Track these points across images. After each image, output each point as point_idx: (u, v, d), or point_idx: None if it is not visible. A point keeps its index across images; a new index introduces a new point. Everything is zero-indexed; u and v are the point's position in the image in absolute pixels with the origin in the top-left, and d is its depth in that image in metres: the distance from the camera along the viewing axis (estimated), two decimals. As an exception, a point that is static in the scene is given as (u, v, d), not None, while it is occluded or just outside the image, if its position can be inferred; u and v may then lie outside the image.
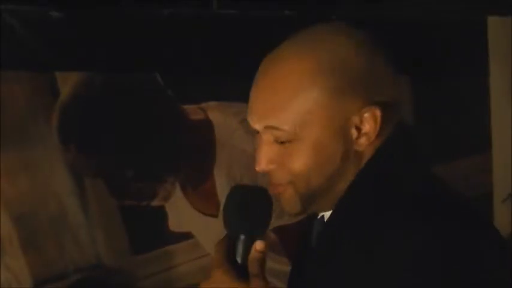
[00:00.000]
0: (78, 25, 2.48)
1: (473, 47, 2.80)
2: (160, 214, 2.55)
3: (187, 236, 2.62)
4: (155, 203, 2.43)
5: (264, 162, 1.34)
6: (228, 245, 1.36)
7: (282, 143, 1.31)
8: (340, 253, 1.29)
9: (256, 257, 1.35)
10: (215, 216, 2.44)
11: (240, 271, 1.35)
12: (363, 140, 1.31)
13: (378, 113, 1.30)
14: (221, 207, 2.38)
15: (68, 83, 2.48)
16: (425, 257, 1.21)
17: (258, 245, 1.34)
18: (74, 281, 2.56)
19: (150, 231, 2.57)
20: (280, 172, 1.33)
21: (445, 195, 1.33)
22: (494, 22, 2.95)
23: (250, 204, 1.39)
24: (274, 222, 2.35)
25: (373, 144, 1.32)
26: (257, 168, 1.36)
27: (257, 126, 1.33)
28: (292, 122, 1.30)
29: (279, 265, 2.48)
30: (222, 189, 2.39)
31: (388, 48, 1.36)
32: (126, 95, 2.45)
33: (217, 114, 2.43)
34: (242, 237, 1.37)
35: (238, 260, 1.36)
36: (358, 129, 1.31)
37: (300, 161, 1.31)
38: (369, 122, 1.30)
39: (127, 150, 2.41)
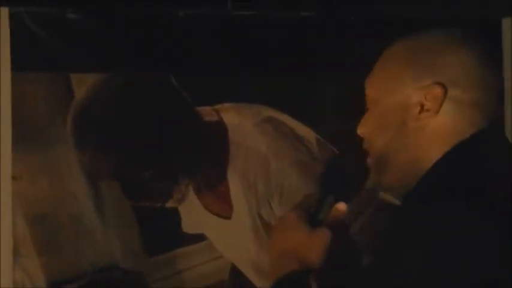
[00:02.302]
0: (93, 27, 2.48)
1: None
2: (174, 216, 2.55)
3: (200, 238, 2.62)
4: (169, 204, 2.43)
5: (359, 126, 1.55)
6: (310, 202, 1.52)
7: (369, 104, 1.53)
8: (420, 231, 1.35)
9: (335, 214, 1.48)
10: (228, 218, 2.43)
11: (313, 222, 1.47)
12: (423, 116, 1.45)
13: (440, 92, 1.45)
14: (234, 209, 2.39)
15: (83, 84, 2.49)
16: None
17: (340, 205, 1.49)
18: (89, 282, 2.56)
19: (163, 233, 2.57)
20: (366, 137, 1.53)
21: None
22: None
23: (345, 170, 1.56)
24: (280, 212, 2.35)
25: (438, 124, 1.46)
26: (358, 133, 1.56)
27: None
28: (370, 83, 1.53)
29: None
30: (235, 191, 2.38)
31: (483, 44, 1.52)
32: (140, 97, 2.45)
33: (231, 115, 2.43)
34: (330, 197, 1.51)
35: (320, 216, 1.50)
36: (421, 105, 1.46)
37: (370, 123, 1.52)
38: (431, 100, 1.45)
39: (141, 152, 2.41)
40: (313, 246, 1.44)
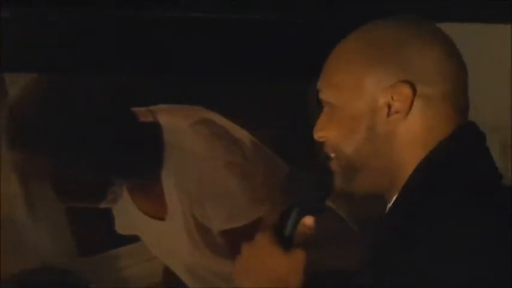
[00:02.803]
0: (26, 25, 2.46)
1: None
2: (107, 217, 2.54)
3: (134, 239, 2.62)
4: (102, 205, 2.42)
5: (315, 130, 1.47)
6: (278, 217, 1.46)
7: (327, 108, 1.44)
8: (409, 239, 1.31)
9: (304, 231, 1.44)
10: (162, 219, 2.43)
11: (284, 242, 1.43)
12: (393, 119, 1.39)
13: (408, 91, 1.37)
14: (168, 211, 2.38)
15: (16, 83, 2.47)
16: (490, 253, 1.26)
17: (308, 220, 1.45)
18: (21, 283, 2.54)
19: (97, 234, 2.56)
20: (327, 142, 1.46)
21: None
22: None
23: (309, 181, 1.49)
24: (223, 225, 2.35)
25: (409, 125, 1.39)
26: (314, 137, 1.49)
27: (317, 89, 1.47)
28: (329, 86, 1.44)
29: (227, 268, 2.48)
30: (169, 192, 2.38)
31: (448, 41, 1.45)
32: (74, 96, 2.43)
33: (166, 116, 2.42)
34: (295, 210, 1.46)
35: (286, 231, 1.45)
36: (389, 106, 1.39)
37: (334, 129, 1.43)
38: (399, 100, 1.38)
39: (75, 152, 2.40)
40: (291, 269, 1.40)
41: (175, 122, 2.41)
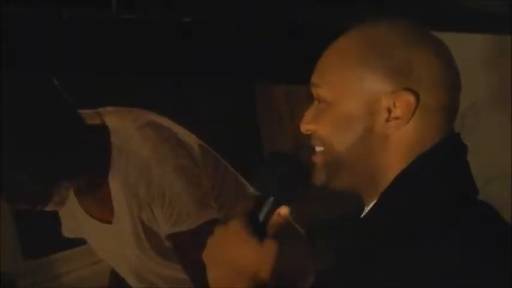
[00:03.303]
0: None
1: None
2: (54, 219, 2.52)
3: (80, 242, 2.60)
4: (49, 208, 2.40)
5: (303, 122, 1.47)
6: (254, 205, 1.44)
7: (322, 102, 1.44)
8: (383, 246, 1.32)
9: (278, 220, 1.43)
10: (109, 222, 2.42)
11: (258, 231, 1.41)
12: (392, 124, 1.40)
13: (412, 100, 1.38)
14: (115, 214, 2.37)
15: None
16: (462, 264, 1.27)
17: (283, 209, 1.44)
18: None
19: (43, 237, 2.53)
20: (315, 134, 1.46)
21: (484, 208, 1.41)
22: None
23: (287, 171, 1.47)
24: (171, 229, 2.35)
25: (406, 133, 1.40)
26: (300, 129, 1.48)
27: (311, 84, 1.47)
28: (328, 83, 1.43)
29: (174, 272, 2.48)
30: (116, 195, 2.37)
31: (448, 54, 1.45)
32: (20, 98, 2.41)
33: (113, 119, 2.41)
34: (271, 199, 1.45)
35: (260, 218, 1.44)
36: (390, 111, 1.39)
37: (326, 124, 1.43)
38: (402, 107, 1.38)
39: (21, 153, 2.38)
40: (262, 259, 1.37)
41: (123, 124, 2.40)
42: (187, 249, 2.32)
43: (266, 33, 2.73)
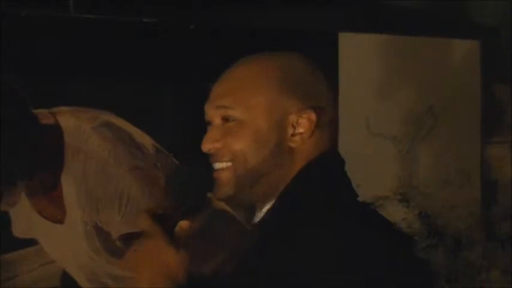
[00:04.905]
0: None
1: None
2: (4, 220, 2.51)
3: (32, 242, 2.58)
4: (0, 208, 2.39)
5: (209, 142, 1.60)
6: (171, 213, 1.58)
7: (231, 122, 1.58)
8: (281, 240, 1.48)
9: (179, 233, 1.56)
10: (61, 222, 2.41)
11: (172, 237, 1.54)
12: (297, 138, 1.58)
13: (314, 117, 1.58)
14: (67, 214, 2.36)
15: None
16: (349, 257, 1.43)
17: (183, 223, 1.57)
18: None
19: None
20: (223, 151, 1.58)
21: (366, 209, 1.64)
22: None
23: (190, 183, 1.57)
24: (126, 229, 2.35)
25: (307, 146, 1.59)
26: (202, 148, 1.62)
27: (212, 107, 1.61)
28: (244, 105, 1.58)
29: (125, 272, 2.47)
30: (69, 196, 2.36)
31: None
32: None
33: (69, 119, 2.39)
34: (181, 208, 1.58)
35: (170, 226, 1.56)
36: (294, 127, 1.58)
37: (240, 140, 1.57)
38: (304, 124, 1.58)
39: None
40: (179, 266, 1.53)
41: (79, 124, 2.38)
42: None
43: (226, 35, 2.73)
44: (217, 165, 1.61)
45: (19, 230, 2.55)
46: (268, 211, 1.60)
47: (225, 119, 1.60)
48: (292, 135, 1.59)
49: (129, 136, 2.41)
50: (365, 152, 3.85)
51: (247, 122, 1.59)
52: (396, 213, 3.93)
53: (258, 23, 2.79)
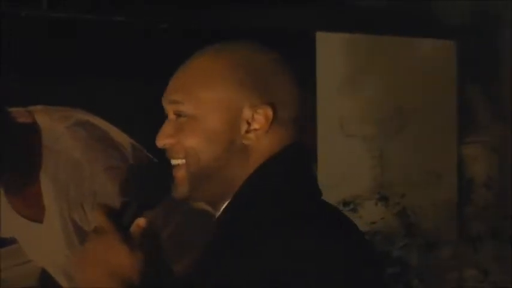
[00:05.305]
0: None
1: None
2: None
3: (11, 241, 2.57)
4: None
5: (162, 137, 1.55)
6: (121, 210, 1.53)
7: (183, 117, 1.53)
8: (235, 243, 1.44)
9: (136, 230, 1.51)
10: (40, 221, 2.40)
11: (125, 235, 1.50)
12: (251, 135, 1.52)
13: (270, 113, 1.51)
14: (46, 213, 2.35)
15: None
16: (308, 257, 1.38)
17: (140, 221, 1.52)
18: None
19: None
20: (177, 147, 1.53)
21: (324, 205, 1.54)
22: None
23: (149, 178, 1.54)
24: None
25: (263, 144, 1.52)
26: (157, 143, 1.57)
27: (166, 101, 1.57)
28: (195, 100, 1.52)
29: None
30: (47, 194, 2.35)
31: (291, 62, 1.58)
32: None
33: (44, 118, 2.38)
34: (133, 205, 1.54)
35: (125, 223, 1.52)
36: (249, 124, 1.51)
37: (192, 137, 1.51)
38: (260, 120, 1.51)
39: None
40: (133, 265, 1.47)
41: (53, 123, 2.37)
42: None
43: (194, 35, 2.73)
44: (173, 162, 1.57)
45: (-2, 229, 2.54)
46: (223, 210, 1.56)
47: (178, 114, 1.56)
48: (247, 131, 1.53)
49: (105, 135, 2.40)
50: (341, 152, 3.87)
51: (199, 118, 1.53)
52: (375, 213, 3.96)
53: (246, 23, 2.80)
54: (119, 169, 2.33)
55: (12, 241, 2.58)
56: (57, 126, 2.35)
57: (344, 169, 3.83)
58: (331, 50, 3.55)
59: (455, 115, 4.29)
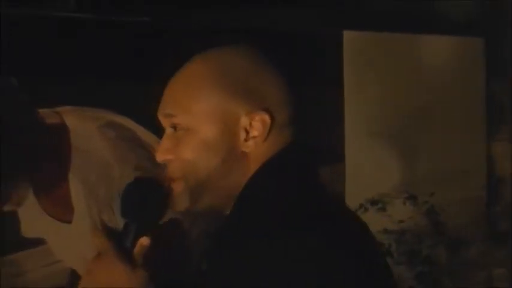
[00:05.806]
0: None
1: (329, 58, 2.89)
2: (13, 219, 2.50)
3: (39, 242, 2.58)
4: (7, 208, 2.38)
5: (161, 152, 1.54)
6: (115, 231, 1.57)
7: (179, 130, 1.51)
8: (241, 246, 1.42)
9: (140, 250, 1.53)
10: (69, 222, 2.40)
11: (129, 258, 1.52)
12: (250, 143, 1.50)
13: (267, 119, 1.49)
14: (75, 214, 2.36)
15: None
16: (311, 260, 1.35)
17: (144, 240, 1.53)
18: None
19: (1, 237, 2.51)
20: (175, 164, 1.52)
21: (325, 205, 1.51)
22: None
23: (147, 197, 1.57)
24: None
25: (262, 149, 1.50)
26: (157, 159, 1.57)
27: (161, 115, 1.55)
28: (187, 112, 1.50)
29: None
30: (76, 195, 2.35)
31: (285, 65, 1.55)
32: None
33: (73, 118, 2.39)
34: (133, 225, 1.55)
35: (127, 244, 1.54)
36: (247, 131, 1.48)
37: (190, 150, 1.50)
38: (258, 127, 1.48)
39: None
40: (137, 286, 1.48)
41: (83, 124, 2.38)
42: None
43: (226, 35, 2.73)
44: (171, 175, 1.56)
45: (27, 229, 2.55)
46: (226, 218, 1.55)
47: (174, 127, 1.55)
48: (246, 139, 1.50)
49: (134, 135, 2.41)
50: (369, 151, 3.86)
51: (194, 130, 1.51)
52: (403, 211, 3.94)
53: (258, 23, 2.80)
54: (148, 169, 2.33)
55: (39, 242, 2.59)
56: (86, 127, 2.36)
57: (372, 168, 3.82)
58: (357, 49, 3.54)
59: (483, 112, 4.26)
